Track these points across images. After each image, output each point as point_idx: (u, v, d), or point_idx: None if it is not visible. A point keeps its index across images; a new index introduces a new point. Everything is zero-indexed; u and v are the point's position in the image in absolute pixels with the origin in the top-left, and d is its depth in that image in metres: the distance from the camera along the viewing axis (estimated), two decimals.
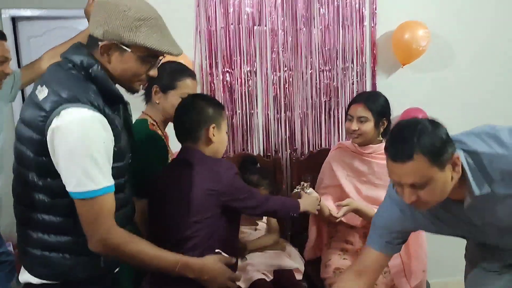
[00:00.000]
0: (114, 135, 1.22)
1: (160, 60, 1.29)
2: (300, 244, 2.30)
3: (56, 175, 1.18)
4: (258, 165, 2.37)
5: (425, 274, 2.05)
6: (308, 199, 1.87)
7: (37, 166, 1.20)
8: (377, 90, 2.53)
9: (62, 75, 1.21)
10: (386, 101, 2.12)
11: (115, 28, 1.18)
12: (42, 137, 1.16)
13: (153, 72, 1.29)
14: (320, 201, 1.94)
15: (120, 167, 1.28)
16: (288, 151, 2.50)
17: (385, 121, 2.09)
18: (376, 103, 2.06)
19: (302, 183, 1.91)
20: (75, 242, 1.25)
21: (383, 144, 2.07)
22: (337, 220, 1.98)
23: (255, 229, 2.20)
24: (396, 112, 2.52)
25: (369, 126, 2.03)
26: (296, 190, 1.91)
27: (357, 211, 2.00)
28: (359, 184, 2.13)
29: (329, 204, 2.07)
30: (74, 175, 1.15)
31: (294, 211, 1.75)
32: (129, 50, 1.21)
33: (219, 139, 1.61)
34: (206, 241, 1.53)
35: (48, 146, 1.16)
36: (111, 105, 1.26)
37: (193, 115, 1.59)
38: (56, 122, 1.14)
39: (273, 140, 2.48)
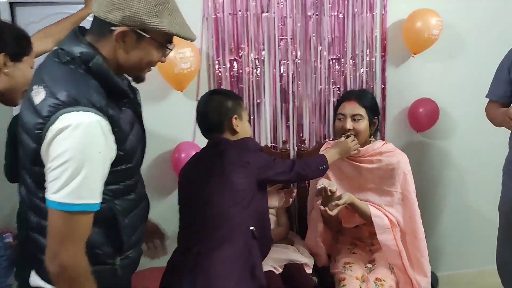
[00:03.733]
0: (118, 138, 1.13)
1: (174, 46, 1.23)
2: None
3: None
4: None
5: (428, 281, 2.00)
6: (342, 144, 1.93)
7: (35, 176, 1.12)
8: (386, 80, 2.49)
9: (60, 71, 1.11)
10: (375, 99, 2.11)
11: (137, 12, 1.09)
12: (38, 146, 1.07)
13: (164, 59, 1.23)
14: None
15: (128, 169, 1.21)
16: (296, 142, 2.45)
17: (376, 121, 2.03)
18: (368, 100, 2.01)
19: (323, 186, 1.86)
20: (90, 252, 1.16)
21: (373, 145, 2.03)
22: (333, 214, 1.86)
23: None
24: (406, 102, 2.52)
25: (363, 124, 1.97)
26: (321, 186, 1.85)
27: (352, 205, 1.93)
28: (351, 190, 2.04)
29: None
30: (57, 181, 1.03)
31: (323, 163, 1.82)
32: (148, 36, 1.13)
33: (242, 129, 1.70)
34: (241, 214, 1.57)
35: (42, 155, 1.06)
36: (117, 100, 1.17)
37: (214, 110, 1.68)
38: (53, 129, 1.03)
39: (281, 130, 2.42)
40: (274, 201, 1.84)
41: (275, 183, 1.88)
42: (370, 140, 2.05)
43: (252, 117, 2.37)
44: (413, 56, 2.45)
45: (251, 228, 1.58)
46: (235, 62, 2.30)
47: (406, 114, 2.53)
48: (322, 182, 1.86)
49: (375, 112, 2.02)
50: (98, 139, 1.07)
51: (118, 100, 1.18)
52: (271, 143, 2.42)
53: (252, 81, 2.34)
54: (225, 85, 2.31)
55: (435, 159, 2.67)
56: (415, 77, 2.53)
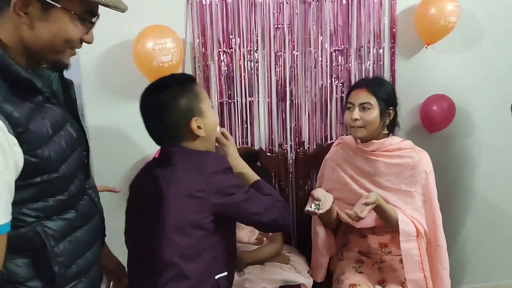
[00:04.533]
0: (26, 142, 0.90)
1: (97, 19, 1.00)
2: (307, 253, 2.04)
3: None
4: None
5: None
6: (231, 147, 1.48)
7: None
8: (396, 74, 2.29)
9: None
10: (393, 88, 1.93)
11: None
12: None
13: (90, 37, 1.00)
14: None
15: (54, 180, 0.97)
16: (294, 144, 2.25)
17: (391, 112, 1.84)
18: (381, 88, 1.84)
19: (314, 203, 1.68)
20: None
21: (390, 139, 1.83)
22: (364, 216, 1.64)
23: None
24: (419, 99, 2.34)
25: (373, 114, 1.78)
26: (310, 208, 1.66)
27: (378, 208, 1.72)
28: (369, 186, 1.86)
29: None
30: None
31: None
32: (58, 5, 0.91)
33: (207, 126, 1.32)
34: (193, 265, 1.23)
35: None
36: (29, 95, 0.93)
37: (164, 115, 1.28)
38: None
39: (277, 132, 2.22)
40: (243, 235, 1.62)
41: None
42: (388, 134, 1.88)
43: (244, 117, 2.17)
44: (426, 47, 2.26)
45: (216, 277, 1.27)
46: (224, 55, 2.10)
47: (418, 112, 2.35)
48: (317, 193, 1.71)
49: (389, 102, 1.84)
50: None
51: (31, 96, 0.94)
52: (266, 146, 2.22)
53: (244, 76, 2.14)
54: (213, 81, 2.10)
55: (451, 162, 2.49)
56: (428, 71, 2.34)
